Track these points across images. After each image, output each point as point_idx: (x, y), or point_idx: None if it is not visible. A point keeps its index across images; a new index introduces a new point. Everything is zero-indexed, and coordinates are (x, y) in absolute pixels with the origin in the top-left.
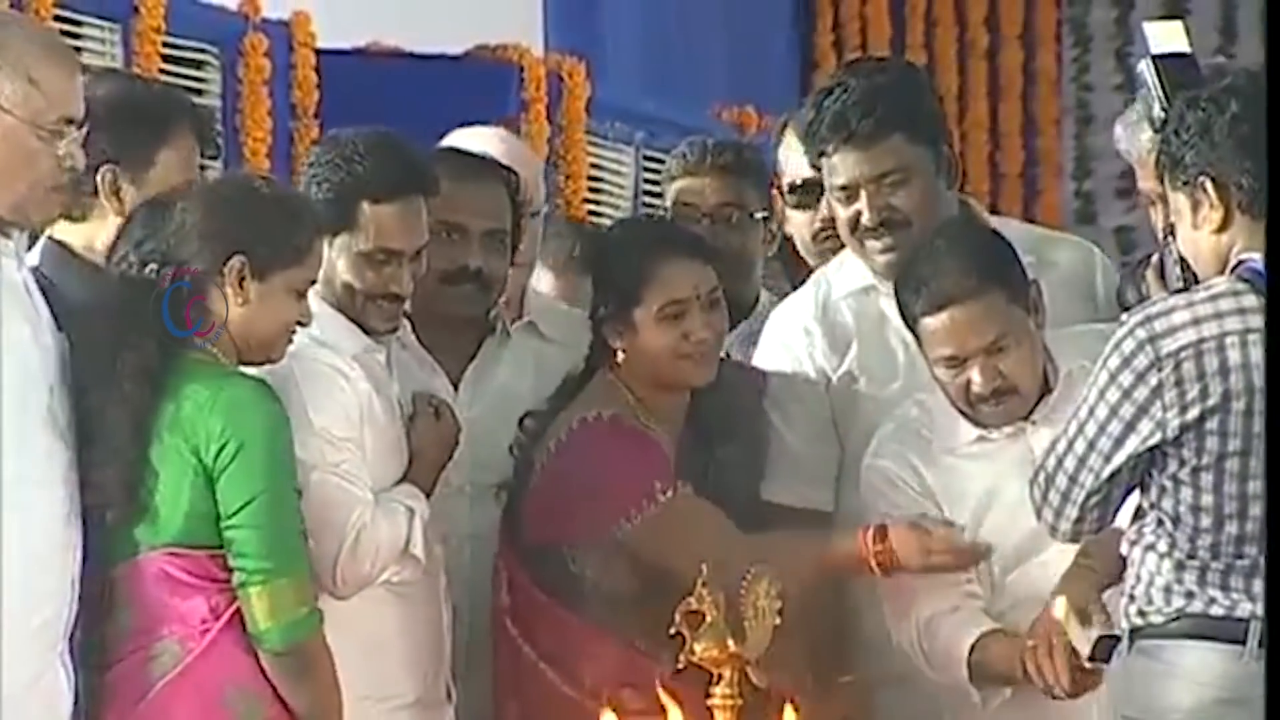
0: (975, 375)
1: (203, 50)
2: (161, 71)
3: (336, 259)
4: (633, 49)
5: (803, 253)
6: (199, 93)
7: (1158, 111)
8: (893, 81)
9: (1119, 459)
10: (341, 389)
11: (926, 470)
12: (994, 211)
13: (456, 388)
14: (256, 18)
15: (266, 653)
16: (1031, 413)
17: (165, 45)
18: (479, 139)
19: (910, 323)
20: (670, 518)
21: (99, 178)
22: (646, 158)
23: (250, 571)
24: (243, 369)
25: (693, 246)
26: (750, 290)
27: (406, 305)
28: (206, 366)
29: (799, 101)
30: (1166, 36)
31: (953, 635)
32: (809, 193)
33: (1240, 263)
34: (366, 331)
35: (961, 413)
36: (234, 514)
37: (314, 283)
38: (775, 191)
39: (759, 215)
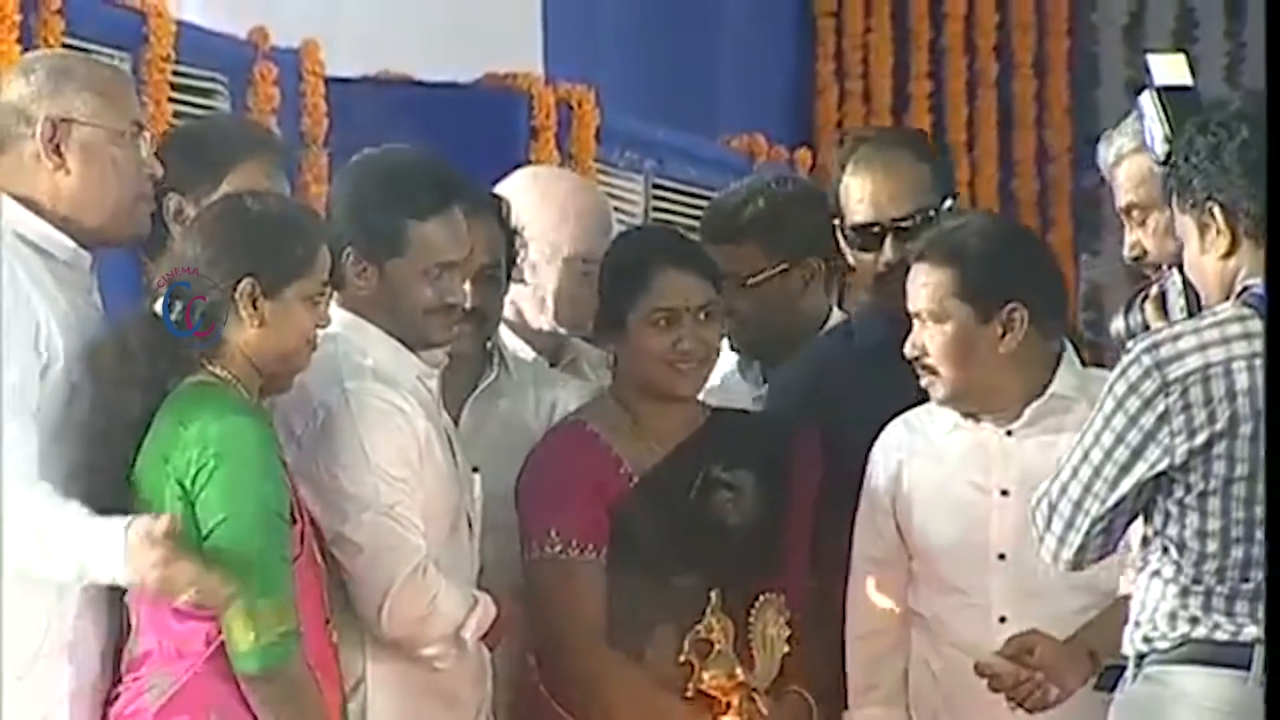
0: (911, 337)
1: (212, 79)
2: (171, 100)
3: (391, 282)
4: (635, 78)
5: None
6: None
7: (1161, 144)
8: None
9: (1125, 486)
10: (400, 428)
11: (898, 455)
12: None
13: (457, 424)
14: (266, 46)
15: (246, 678)
16: (1012, 421)
17: (174, 74)
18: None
19: None
20: (542, 573)
21: (163, 205)
22: (656, 186)
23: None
24: (239, 396)
25: (690, 259)
26: (790, 332)
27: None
28: (203, 391)
29: (805, 130)
30: (1170, 69)
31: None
32: (868, 236)
33: (1245, 288)
34: (426, 347)
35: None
36: (210, 534)
37: (326, 285)
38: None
39: (754, 281)
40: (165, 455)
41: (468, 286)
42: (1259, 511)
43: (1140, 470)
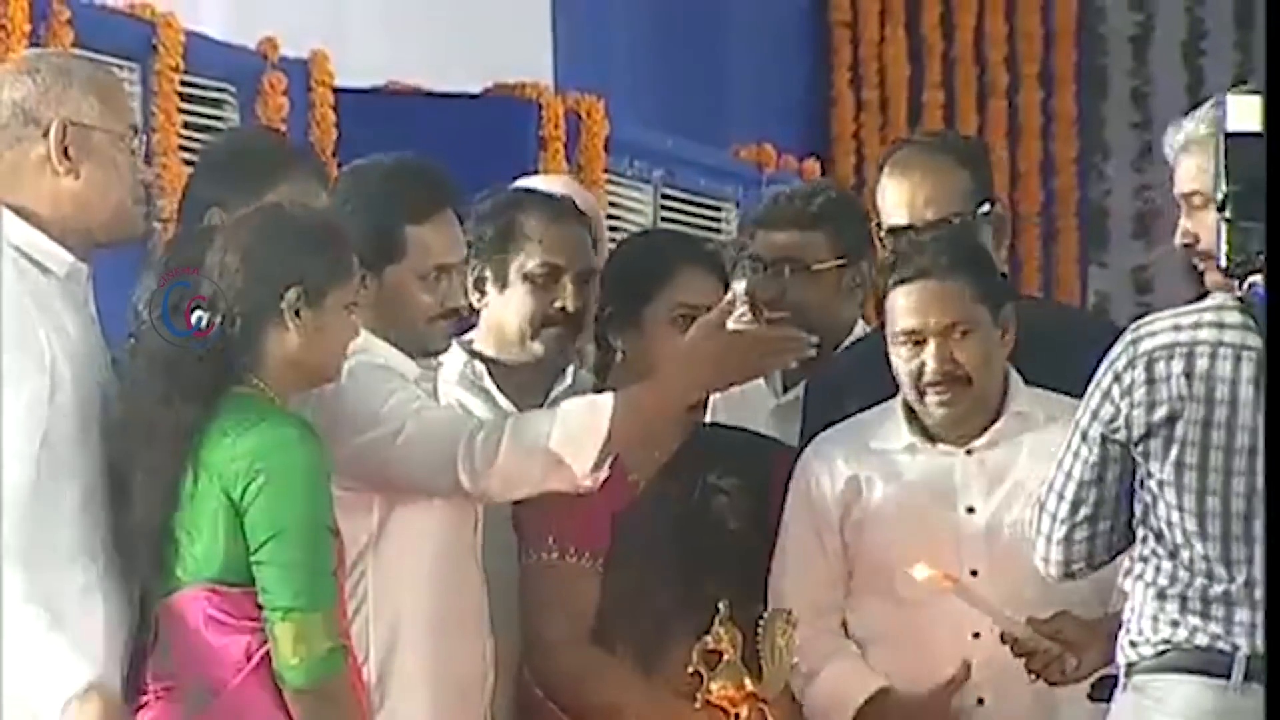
0: (930, 357)
1: (221, 89)
2: (180, 110)
3: (390, 289)
4: (645, 87)
5: None
6: (217, 131)
7: (1219, 192)
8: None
9: (1094, 457)
10: (394, 378)
11: (849, 472)
12: (1011, 249)
13: None
14: (274, 56)
15: (290, 690)
16: (975, 439)
17: (184, 84)
18: (551, 186)
19: (883, 298)
20: (537, 577)
21: (206, 218)
22: (665, 196)
23: (276, 607)
24: (282, 407)
25: (711, 260)
26: (823, 334)
27: (486, 348)
28: (247, 402)
29: (819, 140)
30: (1243, 113)
31: (837, 688)
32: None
33: (1251, 285)
34: (426, 355)
35: (909, 414)
36: (259, 549)
37: (358, 292)
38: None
39: (819, 267)
40: (210, 465)
41: (570, 288)
42: (1211, 505)
43: (1096, 432)
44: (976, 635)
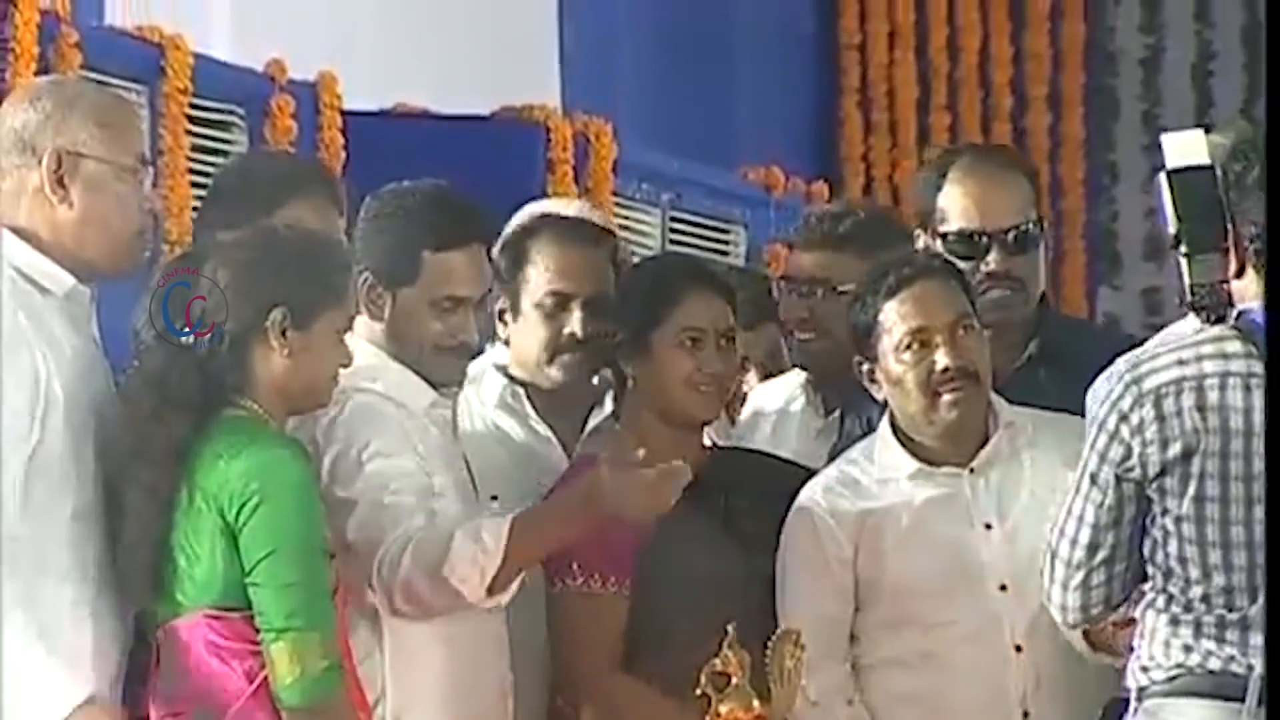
0: (941, 353)
1: (229, 111)
2: (188, 133)
3: (402, 312)
4: (653, 110)
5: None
6: (225, 154)
7: (1171, 226)
8: None
9: (1109, 500)
10: (398, 421)
11: (859, 507)
12: None
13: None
14: (283, 79)
15: (287, 710)
16: (972, 459)
17: (192, 106)
18: (567, 209)
19: (873, 319)
20: (565, 606)
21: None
22: (673, 218)
23: (272, 628)
24: (275, 429)
25: (717, 283)
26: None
27: (520, 373)
28: (239, 424)
29: (827, 162)
30: (1184, 149)
31: None
32: (972, 243)
33: (1240, 313)
34: (433, 386)
35: (903, 443)
36: (253, 569)
37: (353, 319)
38: (930, 237)
39: (844, 288)
40: (205, 488)
41: (579, 315)
42: (1236, 534)
43: (1108, 474)
44: (1019, 649)
